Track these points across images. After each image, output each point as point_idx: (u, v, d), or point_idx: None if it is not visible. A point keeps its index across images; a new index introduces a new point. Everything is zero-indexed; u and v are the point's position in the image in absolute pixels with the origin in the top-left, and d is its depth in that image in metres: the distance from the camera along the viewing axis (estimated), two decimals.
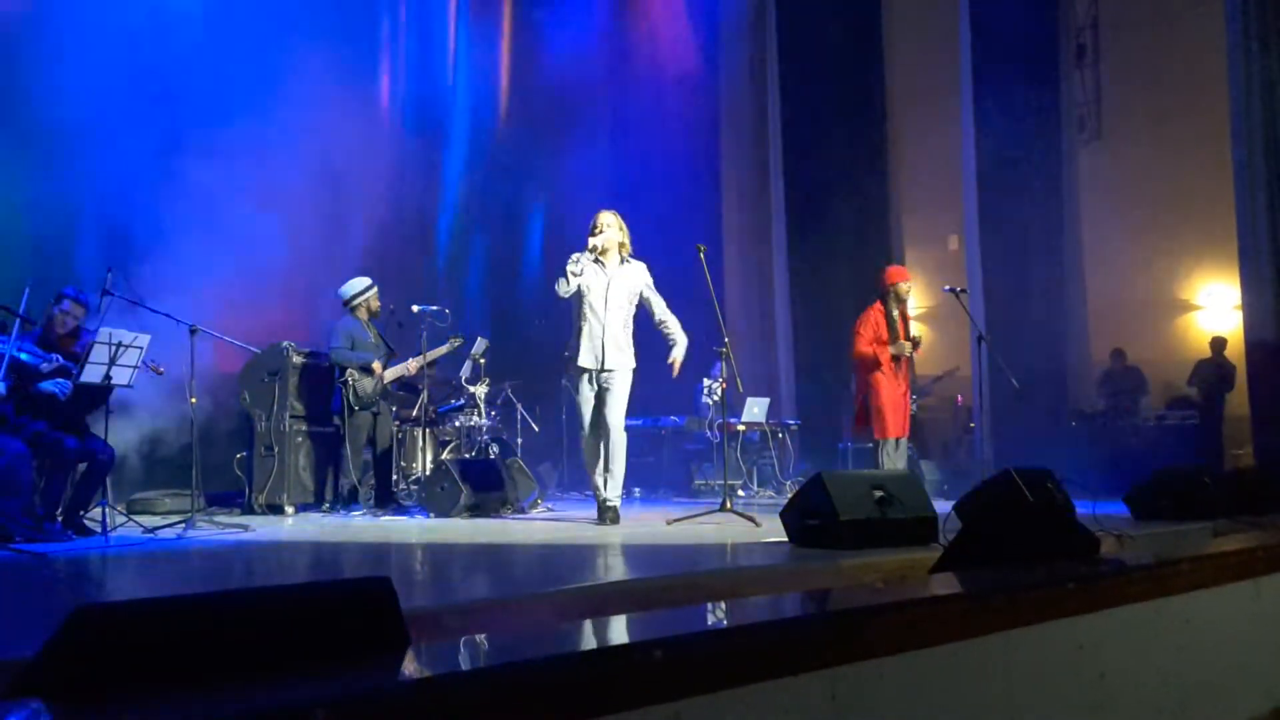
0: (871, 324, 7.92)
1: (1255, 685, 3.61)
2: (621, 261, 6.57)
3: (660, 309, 6.71)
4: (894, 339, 7.87)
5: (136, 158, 8.07)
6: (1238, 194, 9.67)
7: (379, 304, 8.12)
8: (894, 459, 7.78)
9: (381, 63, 11.17)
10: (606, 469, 6.46)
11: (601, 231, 6.49)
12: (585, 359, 6.47)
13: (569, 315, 6.65)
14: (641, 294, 6.64)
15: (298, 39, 9.12)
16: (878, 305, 8.00)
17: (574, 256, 6.51)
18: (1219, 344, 11.43)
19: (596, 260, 6.49)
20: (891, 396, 7.83)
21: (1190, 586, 3.31)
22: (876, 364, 7.83)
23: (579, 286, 6.46)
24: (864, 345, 7.87)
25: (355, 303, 8.02)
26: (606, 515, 6.39)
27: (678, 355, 6.69)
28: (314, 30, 9.37)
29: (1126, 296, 12.40)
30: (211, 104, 8.56)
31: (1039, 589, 2.75)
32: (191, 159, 8.29)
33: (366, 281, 8.10)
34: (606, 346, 6.47)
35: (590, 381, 6.50)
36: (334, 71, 9.44)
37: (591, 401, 6.52)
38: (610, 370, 6.48)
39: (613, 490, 6.46)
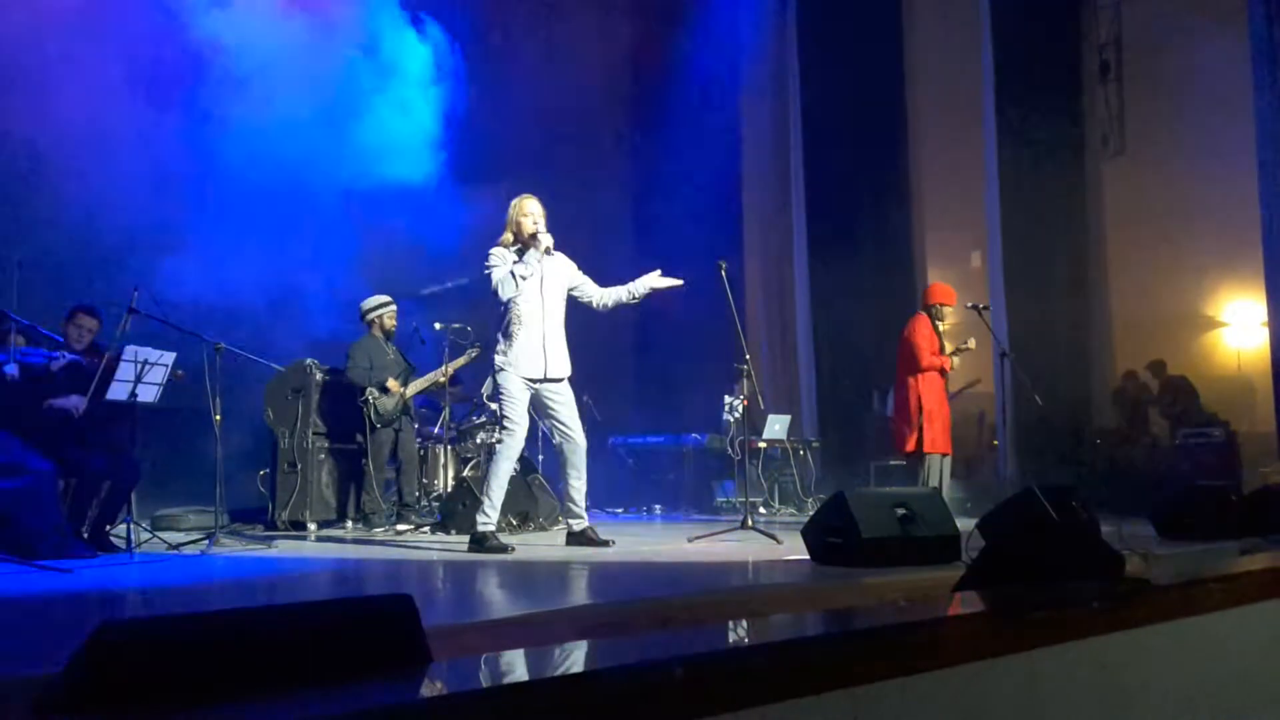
0: (926, 337, 7.84)
1: None
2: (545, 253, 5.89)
3: (593, 286, 6.10)
4: (940, 353, 7.85)
5: (159, 172, 8.17)
6: (1263, 210, 9.60)
7: (395, 323, 8.15)
8: (939, 475, 7.69)
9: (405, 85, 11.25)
10: (572, 487, 5.93)
11: (537, 221, 5.87)
12: (528, 368, 5.79)
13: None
14: (572, 286, 6.05)
15: (326, 53, 9.21)
16: (924, 318, 7.93)
17: (495, 257, 5.81)
18: (1160, 367, 11.61)
19: (521, 253, 5.85)
20: (943, 411, 7.77)
21: (1217, 606, 3.27)
22: (936, 377, 7.76)
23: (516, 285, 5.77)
24: (928, 358, 7.76)
25: (369, 317, 8.07)
26: (595, 538, 5.88)
27: (654, 279, 6.05)
28: (340, 47, 9.45)
29: (1151, 313, 12.29)
30: (235, 119, 8.65)
31: (1063, 608, 2.73)
32: (215, 175, 8.38)
33: (385, 298, 8.15)
34: (549, 353, 5.82)
35: (524, 393, 5.80)
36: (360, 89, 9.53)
37: (526, 415, 5.85)
38: (558, 379, 5.89)
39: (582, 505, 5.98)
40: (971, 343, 8.04)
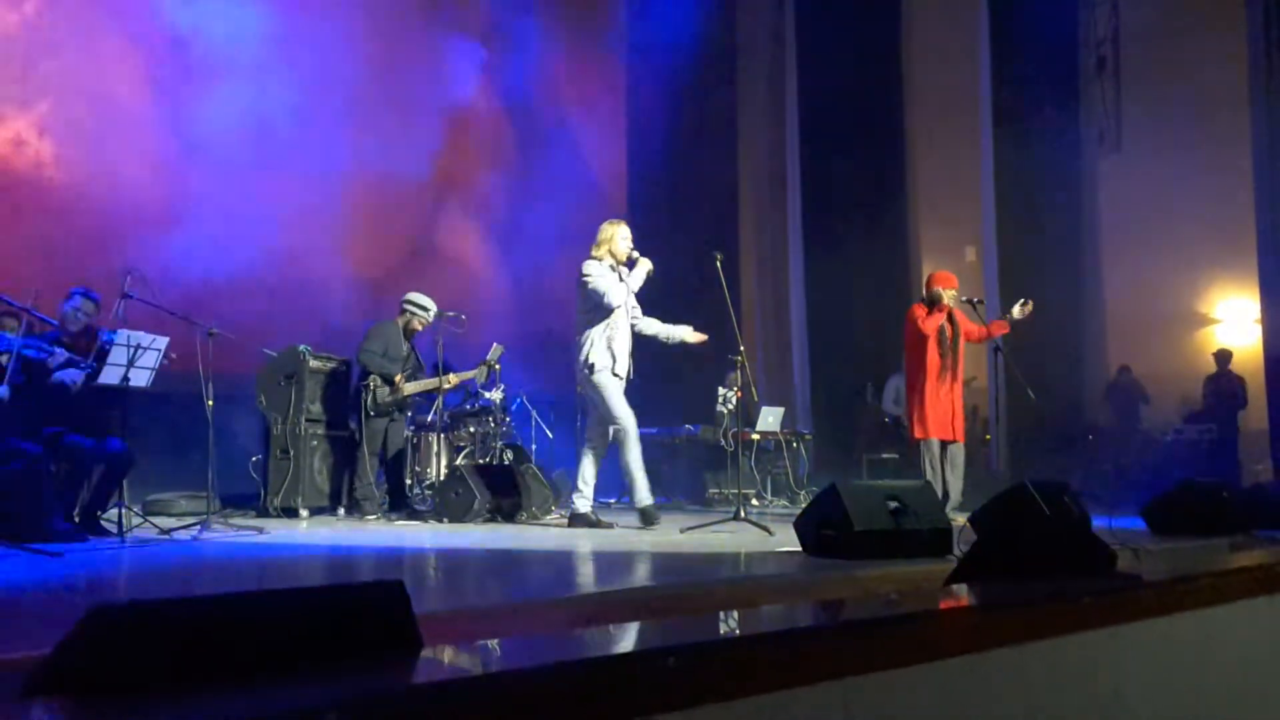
0: (922, 310, 7.74)
1: (1275, 702, 3.57)
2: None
3: (639, 310, 6.91)
4: (941, 343, 7.72)
5: (159, 161, 8.15)
6: (1258, 207, 9.62)
7: (419, 329, 8.05)
8: (936, 462, 7.62)
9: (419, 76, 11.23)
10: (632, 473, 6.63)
11: (633, 245, 6.71)
12: (623, 366, 6.62)
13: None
14: (633, 303, 6.83)
15: (336, 46, 9.18)
16: (920, 306, 7.86)
17: (597, 270, 6.57)
18: (1224, 357, 11.40)
19: (616, 270, 6.66)
20: (937, 397, 7.65)
21: (1208, 602, 3.28)
22: (932, 362, 7.64)
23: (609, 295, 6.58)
24: (925, 323, 7.59)
25: (405, 308, 8.00)
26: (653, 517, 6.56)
27: (687, 332, 6.94)
28: (353, 38, 9.42)
29: (1144, 309, 12.32)
30: (240, 107, 8.64)
31: (1054, 602, 2.73)
32: (213, 162, 8.36)
33: (427, 304, 8.02)
34: (631, 355, 6.68)
35: (620, 385, 6.62)
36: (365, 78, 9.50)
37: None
38: (631, 378, 6.71)
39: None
40: (1030, 306, 7.91)
